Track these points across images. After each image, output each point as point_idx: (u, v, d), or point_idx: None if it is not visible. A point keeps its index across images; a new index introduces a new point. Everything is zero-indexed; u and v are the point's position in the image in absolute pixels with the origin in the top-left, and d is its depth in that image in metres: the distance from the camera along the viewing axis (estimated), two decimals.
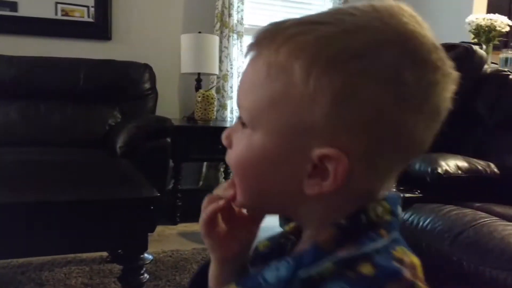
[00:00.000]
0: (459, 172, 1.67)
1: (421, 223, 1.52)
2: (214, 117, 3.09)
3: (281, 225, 1.91)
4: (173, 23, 3.34)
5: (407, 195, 1.69)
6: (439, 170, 1.65)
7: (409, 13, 0.43)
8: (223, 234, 0.52)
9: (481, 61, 2.20)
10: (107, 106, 2.96)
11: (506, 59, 2.50)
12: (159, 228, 2.61)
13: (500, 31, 2.62)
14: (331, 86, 0.40)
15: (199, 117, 3.02)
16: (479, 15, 2.73)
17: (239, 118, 0.47)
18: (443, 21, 3.27)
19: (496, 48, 2.71)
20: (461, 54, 2.18)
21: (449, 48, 2.26)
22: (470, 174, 1.71)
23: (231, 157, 0.47)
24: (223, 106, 3.34)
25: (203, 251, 2.30)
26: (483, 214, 1.48)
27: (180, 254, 2.26)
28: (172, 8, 3.32)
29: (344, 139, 0.40)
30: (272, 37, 0.43)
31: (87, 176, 1.90)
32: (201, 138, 2.93)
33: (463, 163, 1.71)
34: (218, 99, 3.28)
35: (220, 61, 3.27)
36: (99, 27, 3.17)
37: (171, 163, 2.85)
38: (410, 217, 1.58)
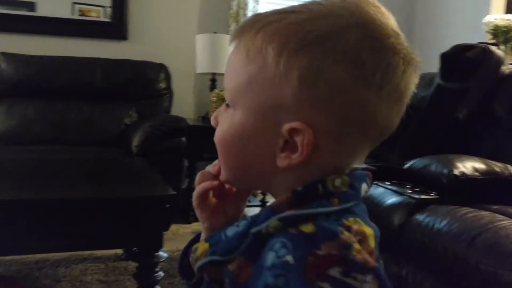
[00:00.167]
0: (476, 174, 1.65)
1: (437, 225, 1.50)
2: None
3: None
4: (188, 24, 3.35)
5: (422, 196, 1.68)
6: (456, 172, 1.63)
7: (373, 3, 0.47)
8: (213, 207, 0.57)
9: (499, 62, 2.17)
10: (123, 105, 2.99)
11: None
12: (173, 227, 2.63)
13: None
14: (298, 67, 0.44)
15: None
16: (497, 15, 2.70)
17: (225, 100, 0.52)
18: (460, 21, 3.23)
19: None
20: (478, 55, 2.16)
21: (467, 48, 2.24)
22: (488, 176, 1.68)
23: (216, 135, 0.52)
24: None
25: None
26: (501, 217, 1.46)
27: None
28: (188, 8, 3.34)
29: (310, 115, 0.45)
30: (252, 25, 0.48)
31: (103, 174, 1.92)
32: None
33: (480, 165, 1.69)
34: None
35: None
36: (116, 27, 3.20)
37: (185, 162, 2.86)
38: (425, 219, 1.57)
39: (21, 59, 2.87)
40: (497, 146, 2.02)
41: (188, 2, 3.34)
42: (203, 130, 2.96)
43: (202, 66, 3.10)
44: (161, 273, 1.54)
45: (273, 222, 0.45)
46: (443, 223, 1.49)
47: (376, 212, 1.81)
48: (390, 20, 0.48)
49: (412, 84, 0.48)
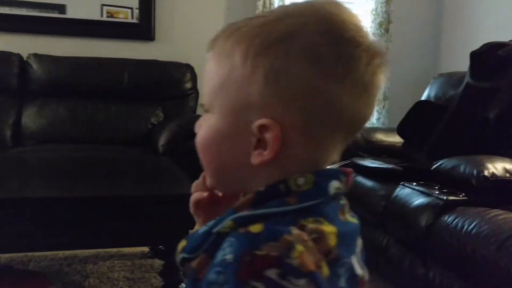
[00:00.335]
0: (507, 175, 1.61)
1: (465, 227, 1.47)
2: None
3: None
4: (214, 24, 3.37)
5: (450, 197, 1.65)
6: (486, 173, 1.59)
7: (335, 2, 0.49)
8: (208, 212, 0.59)
9: None
10: (150, 105, 3.03)
11: None
12: None
13: None
14: (263, 66, 0.46)
15: None
16: None
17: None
18: (490, 18, 3.16)
19: None
20: (510, 52, 2.10)
21: (498, 46, 2.19)
22: None
23: (196, 140, 0.53)
24: None
25: None
26: None
27: None
28: (214, 9, 3.36)
29: (277, 111, 0.46)
30: (224, 33, 0.50)
31: (130, 173, 1.96)
32: None
33: (511, 166, 1.65)
34: None
35: None
36: (143, 28, 3.25)
37: None
38: (453, 220, 1.54)
39: (52, 60, 2.94)
40: None
41: (214, 3, 3.37)
42: None
43: None
44: None
45: (227, 222, 0.46)
46: (472, 225, 1.46)
47: (403, 212, 1.79)
48: (353, 17, 0.49)
49: (378, 76, 0.48)
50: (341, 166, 0.51)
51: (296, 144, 0.47)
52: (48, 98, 2.90)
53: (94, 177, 1.81)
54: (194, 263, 0.48)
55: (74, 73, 2.95)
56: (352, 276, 0.46)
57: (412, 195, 1.78)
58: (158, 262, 1.98)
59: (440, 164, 1.79)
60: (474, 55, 2.26)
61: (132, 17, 3.26)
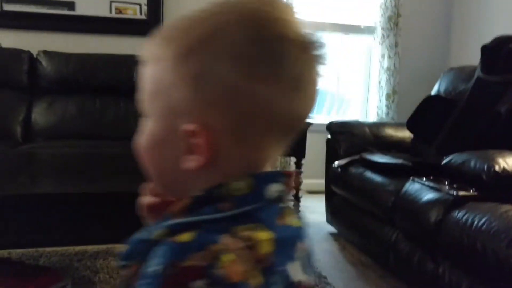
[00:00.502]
0: None
1: (475, 223, 1.46)
2: None
3: None
4: None
5: (460, 193, 1.63)
6: (497, 168, 1.57)
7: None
8: (156, 216, 0.57)
9: None
10: None
11: None
12: None
13: None
14: (188, 70, 0.45)
15: None
16: None
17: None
18: (502, 12, 3.12)
19: None
20: None
21: (509, 40, 2.16)
22: None
23: (135, 146, 0.52)
24: None
25: None
26: None
27: None
28: None
29: (206, 115, 0.44)
30: (156, 35, 0.49)
31: (139, 169, 1.96)
32: None
33: None
34: None
35: None
36: (151, 24, 3.25)
37: None
38: (464, 216, 1.53)
39: (61, 57, 2.96)
40: None
41: None
42: None
43: None
44: None
45: (160, 229, 0.45)
46: (482, 221, 1.45)
47: (413, 208, 1.78)
48: (284, 12, 0.46)
49: (311, 71, 0.46)
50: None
51: (229, 148, 0.45)
52: (58, 95, 2.92)
53: (104, 173, 1.82)
54: (126, 272, 0.47)
55: (83, 70, 2.97)
56: (288, 285, 0.44)
57: (421, 191, 1.77)
58: None
59: (450, 159, 1.78)
60: (485, 49, 2.23)
61: (141, 13, 3.27)
